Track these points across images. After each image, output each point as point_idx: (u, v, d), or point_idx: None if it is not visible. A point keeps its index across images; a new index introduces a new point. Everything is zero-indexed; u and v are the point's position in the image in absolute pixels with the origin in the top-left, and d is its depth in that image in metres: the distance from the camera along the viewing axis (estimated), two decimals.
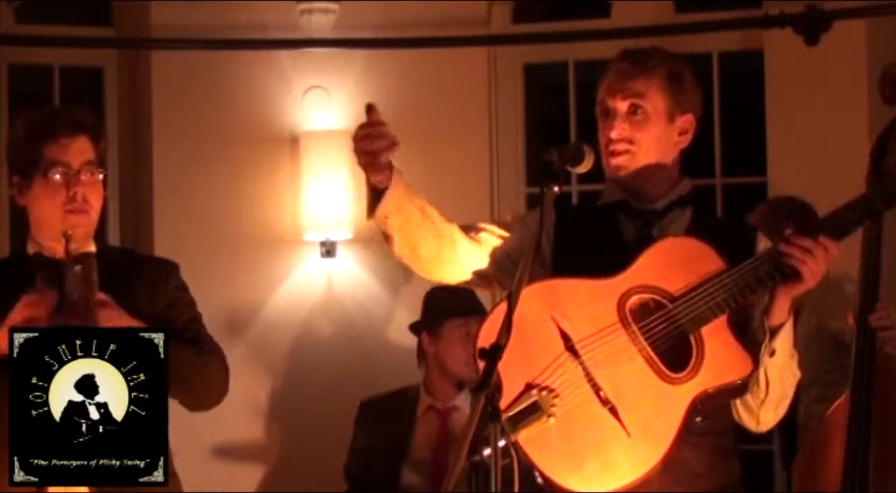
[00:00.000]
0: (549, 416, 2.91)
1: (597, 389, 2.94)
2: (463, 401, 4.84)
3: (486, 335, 2.94)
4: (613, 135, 3.08)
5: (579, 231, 3.15)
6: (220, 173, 5.64)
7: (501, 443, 2.67)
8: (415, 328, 5.05)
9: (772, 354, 2.94)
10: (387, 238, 3.11)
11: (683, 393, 2.90)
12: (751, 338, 2.98)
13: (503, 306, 2.84)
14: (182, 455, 3.37)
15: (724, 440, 3.10)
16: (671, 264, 2.97)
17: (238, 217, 5.58)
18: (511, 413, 2.88)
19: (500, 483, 2.62)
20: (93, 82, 5.92)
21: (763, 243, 3.06)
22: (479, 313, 4.84)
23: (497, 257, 3.17)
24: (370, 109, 2.99)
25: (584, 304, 2.99)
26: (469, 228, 3.20)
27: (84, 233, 3.29)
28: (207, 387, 3.31)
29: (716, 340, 2.93)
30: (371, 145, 2.97)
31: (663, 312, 2.95)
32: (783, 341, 2.96)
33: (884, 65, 3.72)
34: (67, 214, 3.26)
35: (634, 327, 2.95)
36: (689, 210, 3.13)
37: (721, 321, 2.93)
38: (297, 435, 5.55)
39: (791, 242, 2.90)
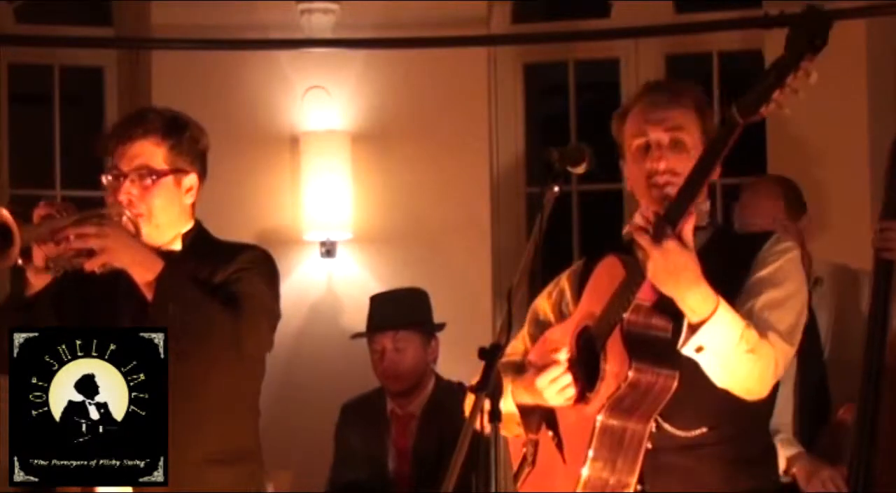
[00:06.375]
0: (532, 465, 3.11)
1: (552, 427, 3.07)
2: (416, 408, 4.84)
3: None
4: (661, 166, 3.04)
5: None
6: (219, 173, 5.59)
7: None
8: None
9: (698, 349, 2.85)
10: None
11: (591, 411, 2.95)
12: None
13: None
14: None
15: (739, 447, 3.00)
16: (602, 285, 3.02)
17: (238, 217, 5.57)
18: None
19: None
20: (93, 82, 5.92)
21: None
22: (386, 329, 4.82)
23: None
24: None
25: (560, 345, 3.06)
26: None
27: (140, 231, 3.37)
28: (205, 328, 3.21)
29: (613, 352, 2.95)
30: None
31: (587, 335, 3.02)
32: (713, 334, 2.84)
33: None
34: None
35: (575, 357, 3.03)
36: (708, 231, 3.10)
37: (616, 332, 2.94)
38: (295, 435, 5.54)
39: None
